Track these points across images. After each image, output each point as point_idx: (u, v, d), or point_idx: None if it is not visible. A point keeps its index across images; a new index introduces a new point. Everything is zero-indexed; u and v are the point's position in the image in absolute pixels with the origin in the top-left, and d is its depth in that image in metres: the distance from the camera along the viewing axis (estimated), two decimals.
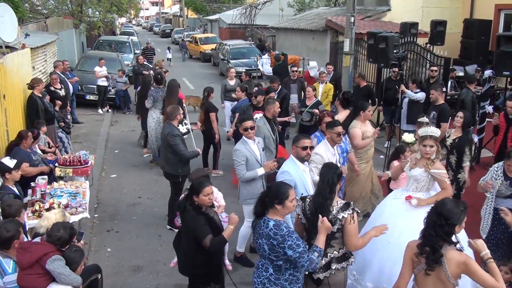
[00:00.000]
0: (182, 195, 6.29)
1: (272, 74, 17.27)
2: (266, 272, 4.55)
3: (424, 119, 8.13)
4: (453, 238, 4.09)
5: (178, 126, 8.37)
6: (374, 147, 8.68)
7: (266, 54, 21.94)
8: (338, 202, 4.76)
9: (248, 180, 6.77)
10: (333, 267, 4.78)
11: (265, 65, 20.48)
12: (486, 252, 4.07)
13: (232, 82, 13.37)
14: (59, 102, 11.56)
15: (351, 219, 4.65)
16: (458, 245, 4.11)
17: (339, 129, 6.81)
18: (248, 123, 6.89)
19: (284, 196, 4.46)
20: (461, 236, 4.78)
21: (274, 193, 4.50)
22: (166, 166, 8.30)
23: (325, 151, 6.73)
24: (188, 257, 5.20)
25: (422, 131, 6.20)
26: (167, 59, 30.43)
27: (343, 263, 4.83)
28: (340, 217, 4.65)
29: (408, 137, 8.15)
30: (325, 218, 4.57)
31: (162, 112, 10.57)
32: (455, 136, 7.92)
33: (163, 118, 9.85)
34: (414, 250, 4.15)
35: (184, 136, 8.71)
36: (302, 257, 4.34)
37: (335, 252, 4.79)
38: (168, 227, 8.51)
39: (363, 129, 8.25)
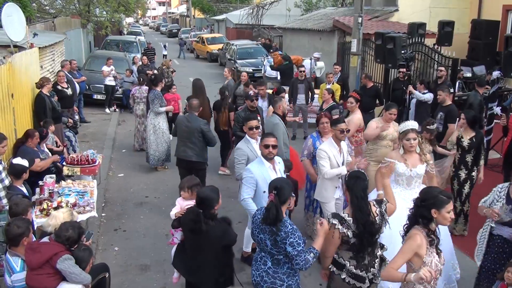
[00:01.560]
0: (175, 213, 5.97)
1: (273, 76, 17.28)
2: (265, 265, 4.65)
3: (432, 120, 8.16)
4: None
5: None
6: (390, 149, 8.24)
7: (269, 56, 21.56)
8: (374, 205, 4.78)
9: None
10: (387, 262, 4.87)
11: (267, 67, 20.13)
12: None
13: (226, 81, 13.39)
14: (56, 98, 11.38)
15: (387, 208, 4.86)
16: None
17: (343, 126, 6.86)
18: (253, 123, 6.99)
19: (291, 192, 4.65)
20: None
21: (287, 190, 4.59)
22: (194, 155, 8.56)
23: (329, 148, 6.79)
24: (213, 268, 5.02)
25: (402, 126, 6.42)
26: (163, 55, 30.43)
27: (382, 252, 4.96)
28: (387, 217, 4.77)
29: None
30: (324, 221, 4.61)
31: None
32: (469, 136, 7.92)
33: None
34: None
35: None
36: (300, 256, 4.42)
37: (379, 249, 4.86)
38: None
39: (380, 125, 8.24)
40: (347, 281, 4.70)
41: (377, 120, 8.39)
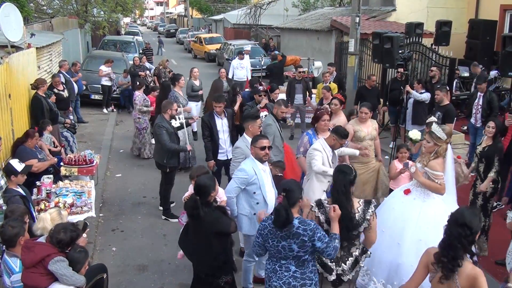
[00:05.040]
0: (184, 197, 6.46)
1: (242, 80, 17.07)
2: (288, 272, 4.58)
3: (432, 118, 8.13)
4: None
5: (170, 120, 8.72)
6: (371, 148, 8.32)
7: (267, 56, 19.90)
8: (359, 202, 4.88)
9: None
10: (362, 264, 4.99)
11: (236, 69, 18.04)
12: None
13: (197, 82, 12.99)
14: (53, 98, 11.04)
15: (374, 215, 4.84)
16: (475, 257, 4.06)
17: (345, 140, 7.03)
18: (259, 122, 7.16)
19: (301, 194, 4.66)
20: None
21: (295, 191, 4.57)
22: (156, 155, 8.88)
23: (323, 148, 6.83)
24: (206, 252, 5.17)
25: (432, 126, 6.34)
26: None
27: (363, 257, 5.00)
28: (368, 217, 4.80)
29: (413, 134, 8.17)
30: (336, 207, 4.67)
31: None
32: (486, 144, 7.57)
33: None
34: (432, 258, 4.04)
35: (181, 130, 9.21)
36: (329, 246, 4.46)
37: (357, 250, 4.94)
38: (163, 217, 8.84)
39: (356, 127, 8.18)
40: (320, 271, 4.85)
41: (352, 122, 8.34)
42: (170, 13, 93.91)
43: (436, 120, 7.99)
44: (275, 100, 9.44)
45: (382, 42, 12.36)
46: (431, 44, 14.36)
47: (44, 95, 10.14)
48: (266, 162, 6.17)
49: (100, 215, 8.95)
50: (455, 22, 16.13)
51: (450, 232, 3.93)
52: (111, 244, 8.00)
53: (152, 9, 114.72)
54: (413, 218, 5.97)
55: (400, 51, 11.85)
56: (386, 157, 11.20)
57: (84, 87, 16.31)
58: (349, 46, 15.75)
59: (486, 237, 7.58)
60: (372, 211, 4.82)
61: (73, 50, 22.37)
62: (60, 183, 7.94)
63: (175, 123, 8.82)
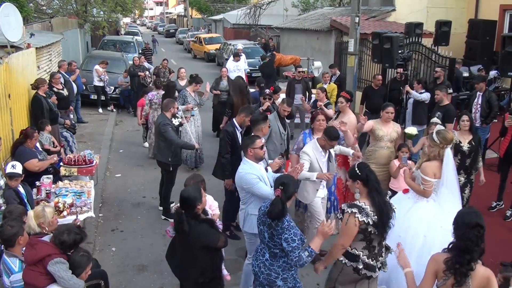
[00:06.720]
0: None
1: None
2: (263, 257, 4.84)
3: (435, 120, 8.16)
4: None
5: (171, 118, 8.75)
6: (390, 150, 8.21)
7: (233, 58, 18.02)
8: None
9: None
10: (393, 249, 5.03)
11: (231, 72, 16.13)
12: None
13: (182, 83, 12.85)
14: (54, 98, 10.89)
15: None
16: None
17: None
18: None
19: (296, 188, 4.78)
20: None
21: (292, 186, 4.67)
22: (158, 154, 8.86)
23: (312, 150, 6.84)
24: (192, 267, 5.02)
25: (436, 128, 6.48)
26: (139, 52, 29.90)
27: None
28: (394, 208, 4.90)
29: (409, 129, 8.20)
30: (326, 222, 4.74)
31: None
32: (466, 139, 7.85)
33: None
34: (441, 265, 3.99)
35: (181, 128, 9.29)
36: (294, 252, 4.54)
37: (384, 240, 4.98)
38: (163, 217, 8.87)
39: (377, 126, 8.15)
40: (363, 273, 4.78)
41: (376, 121, 8.33)
42: (170, 13, 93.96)
43: (439, 122, 8.02)
44: (276, 102, 9.50)
45: (381, 42, 12.37)
46: (431, 44, 14.36)
47: (44, 95, 10.14)
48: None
49: (100, 215, 8.95)
50: (455, 22, 16.15)
51: (466, 236, 3.87)
52: (111, 244, 8.00)
53: (151, 9, 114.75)
54: (399, 215, 6.01)
55: (399, 51, 11.85)
56: None
57: (84, 87, 16.29)
58: (349, 46, 15.75)
59: None
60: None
61: (73, 50, 22.37)
62: (60, 183, 7.94)
63: (175, 122, 8.85)
